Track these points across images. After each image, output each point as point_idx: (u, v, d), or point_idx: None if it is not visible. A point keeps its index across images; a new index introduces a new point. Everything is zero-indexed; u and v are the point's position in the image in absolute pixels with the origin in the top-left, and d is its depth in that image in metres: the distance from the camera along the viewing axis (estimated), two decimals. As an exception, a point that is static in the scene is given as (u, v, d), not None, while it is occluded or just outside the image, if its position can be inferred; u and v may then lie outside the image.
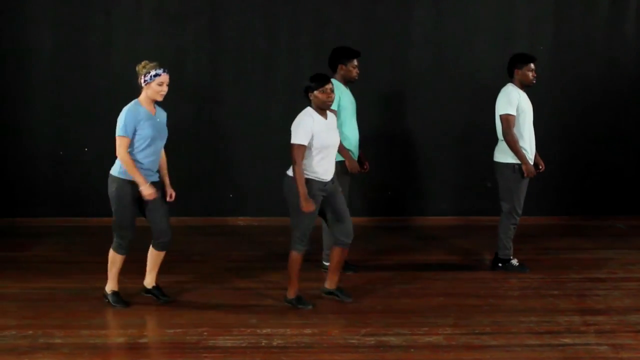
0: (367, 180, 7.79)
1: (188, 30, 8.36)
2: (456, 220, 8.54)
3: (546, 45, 8.41)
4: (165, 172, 5.69)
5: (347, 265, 6.56)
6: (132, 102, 5.44)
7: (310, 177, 5.40)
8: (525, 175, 6.39)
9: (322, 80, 5.40)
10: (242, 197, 8.55)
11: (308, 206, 5.29)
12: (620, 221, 8.51)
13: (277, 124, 8.00)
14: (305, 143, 5.32)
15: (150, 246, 5.68)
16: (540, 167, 6.66)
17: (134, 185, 5.36)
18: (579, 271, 6.61)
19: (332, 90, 5.42)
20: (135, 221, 5.50)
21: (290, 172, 5.42)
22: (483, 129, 7.41)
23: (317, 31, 8.35)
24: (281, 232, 7.79)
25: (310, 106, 5.46)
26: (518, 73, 6.44)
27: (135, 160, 5.36)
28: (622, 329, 5.19)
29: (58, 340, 4.93)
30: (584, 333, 5.09)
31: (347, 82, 6.38)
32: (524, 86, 6.48)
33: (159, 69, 5.40)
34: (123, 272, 5.66)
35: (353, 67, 6.33)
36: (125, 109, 5.38)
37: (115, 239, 5.53)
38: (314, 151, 5.37)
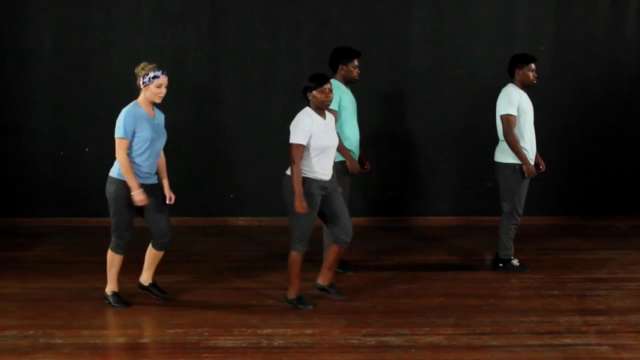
0: (368, 180, 7.78)
1: (188, 30, 8.36)
2: (456, 220, 8.55)
3: (547, 46, 8.41)
4: (164, 174, 5.69)
5: (347, 266, 6.57)
6: (131, 104, 5.44)
7: (310, 177, 5.40)
8: (526, 175, 6.39)
9: (320, 80, 5.39)
10: (242, 197, 8.55)
11: (302, 206, 5.29)
12: (621, 221, 8.51)
13: (277, 124, 8.00)
14: (304, 143, 5.32)
15: (150, 245, 5.68)
16: (541, 167, 6.66)
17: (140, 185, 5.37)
18: (580, 271, 6.61)
19: (330, 90, 5.42)
20: (133, 222, 5.50)
21: (289, 172, 5.43)
22: (483, 129, 7.41)
23: (317, 31, 8.36)
24: (282, 232, 7.76)
25: (309, 106, 5.46)
26: (519, 73, 6.44)
27: (134, 163, 5.36)
28: (623, 329, 5.18)
29: (59, 341, 4.93)
30: (585, 333, 5.09)
31: (348, 82, 6.37)
32: (525, 86, 6.48)
33: (158, 70, 5.39)
34: (122, 272, 5.66)
35: (354, 67, 6.33)
36: (123, 111, 5.38)
37: (113, 240, 5.53)
38: (313, 151, 5.37)
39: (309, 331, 5.09)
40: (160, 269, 5.94)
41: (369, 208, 8.53)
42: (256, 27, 8.37)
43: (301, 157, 5.33)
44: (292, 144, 5.33)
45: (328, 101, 5.44)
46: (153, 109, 5.52)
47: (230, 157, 8.51)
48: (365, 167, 6.54)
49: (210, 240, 7.84)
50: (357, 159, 6.41)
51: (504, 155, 6.44)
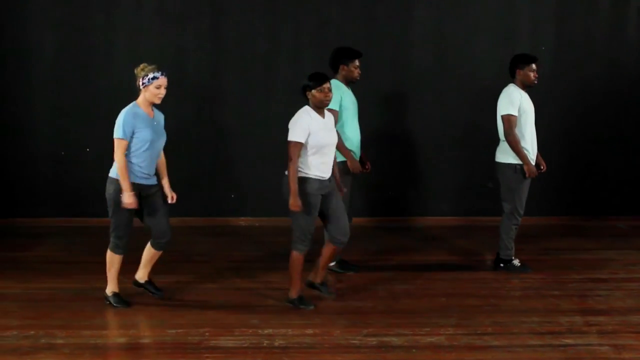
0: (369, 180, 7.78)
1: (188, 30, 8.36)
2: (457, 220, 8.54)
3: (547, 46, 8.41)
4: (164, 174, 5.70)
5: (348, 266, 6.58)
6: (130, 105, 5.45)
7: (309, 176, 5.40)
8: (527, 175, 6.39)
9: (319, 79, 5.40)
10: (243, 198, 8.55)
11: (296, 204, 5.30)
12: (622, 221, 8.51)
13: (277, 124, 7.93)
14: (302, 141, 5.33)
15: (149, 243, 5.68)
16: (542, 168, 6.66)
17: (133, 186, 5.36)
18: (581, 271, 6.61)
19: (329, 90, 5.42)
20: (132, 223, 5.49)
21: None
22: (484, 129, 7.41)
23: (318, 31, 8.35)
24: (282, 232, 7.76)
25: (308, 105, 5.46)
26: (520, 73, 6.44)
27: (133, 163, 5.37)
28: (624, 329, 5.18)
29: (59, 341, 4.93)
30: (586, 333, 5.09)
31: (349, 82, 6.37)
32: (526, 86, 6.48)
33: (157, 72, 5.40)
34: (122, 272, 5.66)
35: (355, 68, 6.33)
36: (123, 112, 5.39)
37: (112, 240, 5.53)
38: (312, 149, 5.37)
39: (310, 331, 5.09)
40: (161, 269, 5.95)
41: (369, 208, 8.53)
42: (256, 27, 8.37)
43: (298, 155, 5.34)
44: (290, 142, 5.34)
45: (327, 100, 5.44)
46: (152, 110, 5.52)
47: (231, 157, 8.51)
48: (366, 167, 6.54)
49: (211, 241, 7.84)
50: (358, 159, 6.41)
51: (504, 155, 6.43)
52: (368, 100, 7.57)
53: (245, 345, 4.88)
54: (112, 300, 5.60)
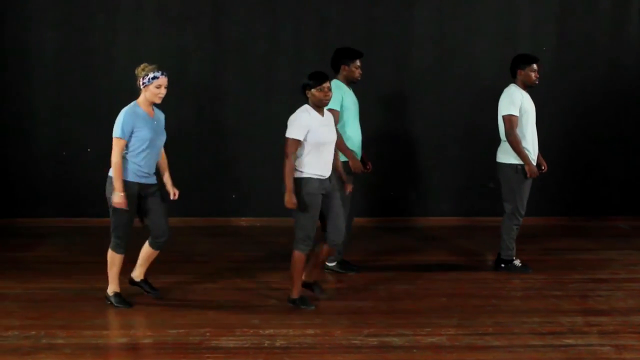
0: (370, 180, 7.78)
1: (189, 31, 8.36)
2: (458, 220, 8.55)
3: (549, 46, 8.40)
4: (166, 170, 5.71)
5: (349, 266, 6.57)
6: (131, 104, 5.46)
7: (309, 176, 5.40)
8: (528, 175, 6.38)
9: (319, 78, 5.40)
10: (244, 198, 8.55)
11: (291, 202, 5.31)
12: (623, 222, 8.51)
13: (278, 124, 7.93)
14: (300, 138, 5.34)
15: (147, 242, 5.67)
16: (543, 168, 6.65)
17: (133, 185, 5.37)
18: (582, 272, 6.61)
19: (329, 89, 5.42)
20: (132, 222, 5.50)
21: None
22: (485, 129, 7.41)
23: (319, 32, 8.36)
24: (283, 232, 7.78)
25: (308, 104, 5.46)
26: (521, 74, 6.44)
27: (133, 162, 5.38)
28: (625, 329, 5.17)
29: (60, 341, 4.92)
30: (587, 334, 5.08)
31: (350, 82, 6.37)
32: (527, 87, 6.47)
33: (157, 71, 5.41)
34: (122, 272, 5.65)
35: (356, 68, 6.33)
36: (123, 111, 5.41)
37: (112, 239, 5.53)
38: (310, 146, 5.37)
39: (310, 331, 5.09)
40: (161, 269, 5.95)
41: (370, 208, 8.52)
42: (257, 28, 8.37)
43: (294, 152, 5.34)
44: (287, 138, 5.36)
45: (327, 99, 5.44)
46: (153, 109, 5.53)
47: (232, 157, 8.51)
48: (368, 167, 6.54)
49: (212, 241, 7.84)
50: (359, 159, 6.40)
51: (505, 155, 6.43)
52: (369, 100, 7.57)
53: (247, 345, 4.87)
54: (113, 301, 5.60)
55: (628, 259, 7.01)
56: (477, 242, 7.66)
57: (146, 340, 5.04)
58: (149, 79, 5.39)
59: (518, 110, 6.34)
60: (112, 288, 5.63)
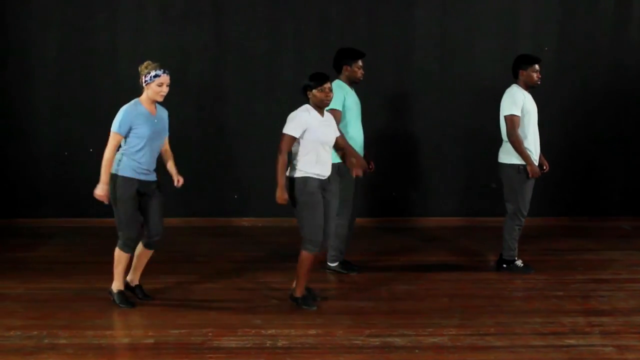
0: (371, 180, 7.77)
1: (190, 30, 8.35)
2: (460, 221, 8.54)
3: (549, 46, 8.40)
4: (170, 158, 5.73)
5: (350, 266, 6.57)
6: (133, 101, 5.49)
7: (309, 176, 5.41)
8: (530, 176, 6.38)
9: (320, 79, 5.41)
10: (246, 198, 8.55)
11: (282, 197, 5.36)
12: (624, 222, 8.51)
13: (280, 124, 7.94)
14: (296, 135, 5.36)
15: (141, 244, 5.65)
16: (545, 168, 6.65)
17: (133, 181, 5.38)
18: (584, 272, 6.61)
19: (330, 89, 5.43)
20: (135, 219, 5.48)
21: (289, 173, 5.45)
22: (486, 129, 7.41)
23: (321, 32, 8.36)
24: (285, 232, 7.81)
25: (309, 104, 5.47)
26: (523, 74, 6.44)
27: (133, 159, 5.39)
28: (627, 330, 5.18)
29: (63, 341, 4.93)
30: (589, 334, 5.09)
31: (352, 82, 6.37)
32: (529, 87, 6.48)
33: (159, 69, 5.42)
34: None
35: (358, 68, 6.33)
36: (123, 107, 5.43)
37: (120, 238, 5.53)
38: (310, 145, 5.38)
39: (312, 332, 5.09)
40: (163, 270, 5.95)
41: (371, 208, 8.52)
42: (259, 28, 8.37)
43: (288, 149, 5.39)
44: (283, 134, 5.41)
45: (327, 100, 5.45)
46: (155, 107, 5.54)
47: (234, 157, 8.51)
48: (370, 167, 6.54)
49: (214, 241, 7.83)
50: (361, 159, 6.41)
51: (507, 156, 6.43)
52: (370, 100, 7.57)
53: (249, 345, 4.87)
54: (116, 298, 5.59)
55: (630, 259, 7.01)
56: (478, 242, 7.66)
57: (148, 341, 5.03)
58: (151, 76, 5.40)
59: (520, 111, 6.34)
60: (117, 285, 5.63)
